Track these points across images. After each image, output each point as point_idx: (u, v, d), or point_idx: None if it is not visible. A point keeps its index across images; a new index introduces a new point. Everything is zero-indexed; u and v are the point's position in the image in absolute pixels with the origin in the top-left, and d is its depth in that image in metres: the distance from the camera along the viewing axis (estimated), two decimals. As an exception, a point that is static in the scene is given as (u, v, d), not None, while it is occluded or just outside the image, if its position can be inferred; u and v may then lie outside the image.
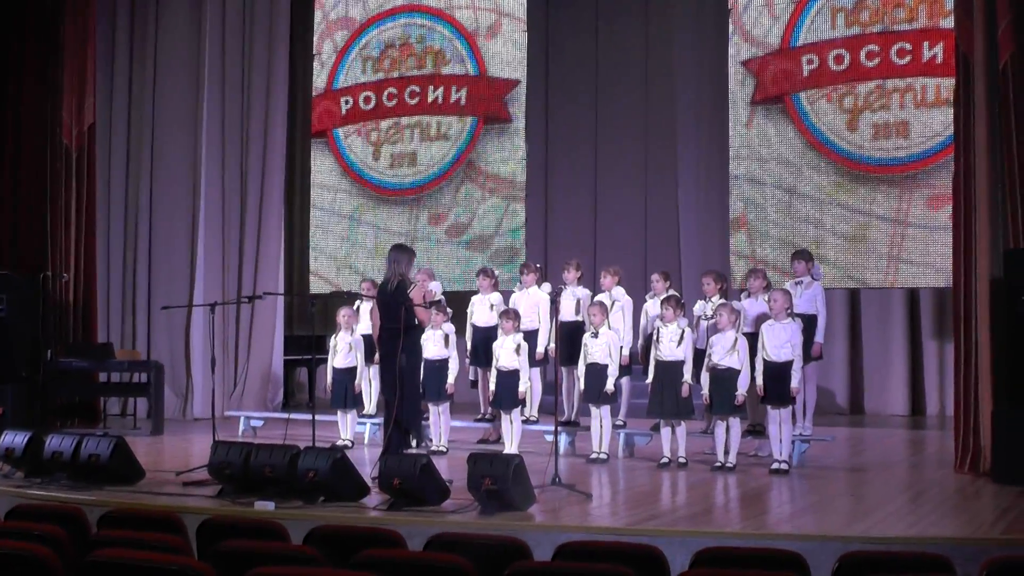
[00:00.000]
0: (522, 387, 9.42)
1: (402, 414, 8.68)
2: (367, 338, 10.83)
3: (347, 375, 10.50)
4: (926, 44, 12.01)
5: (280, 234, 14.57)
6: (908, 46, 12.10)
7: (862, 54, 12.30)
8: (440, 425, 10.06)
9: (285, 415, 10.74)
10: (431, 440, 10.00)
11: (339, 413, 10.61)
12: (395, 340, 8.68)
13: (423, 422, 9.68)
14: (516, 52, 13.92)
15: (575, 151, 14.97)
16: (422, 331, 9.33)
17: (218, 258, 14.03)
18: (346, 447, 9.99)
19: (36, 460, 8.43)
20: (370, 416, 10.96)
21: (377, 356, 10.90)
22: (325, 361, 11.20)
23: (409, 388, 8.77)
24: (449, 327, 10.10)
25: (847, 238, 12.24)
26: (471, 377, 10.82)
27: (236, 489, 7.69)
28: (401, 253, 9.09)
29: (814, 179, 12.43)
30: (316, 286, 14.84)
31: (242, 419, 11.83)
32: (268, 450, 7.76)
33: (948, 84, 10.96)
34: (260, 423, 11.78)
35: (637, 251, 14.34)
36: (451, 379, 9.97)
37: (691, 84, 14.11)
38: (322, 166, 15.02)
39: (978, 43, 8.63)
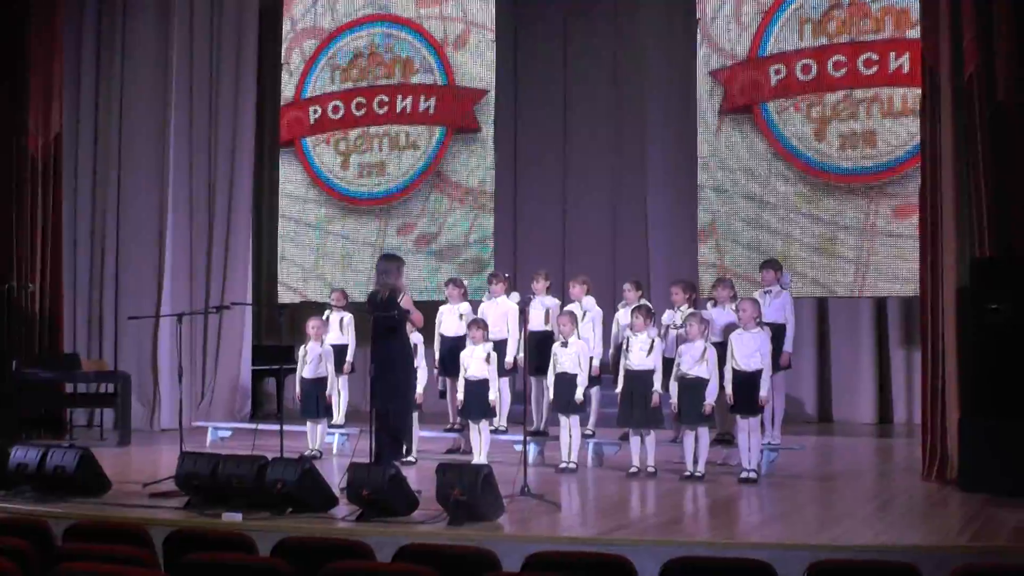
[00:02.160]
0: (492, 396, 9.41)
1: (395, 423, 8.71)
2: (337, 348, 10.82)
3: (315, 385, 10.43)
4: (892, 54, 12.11)
5: (248, 244, 14.50)
6: (875, 56, 12.19)
7: (829, 64, 12.38)
8: (409, 435, 10.02)
9: (253, 425, 10.67)
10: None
11: (308, 423, 10.56)
12: (389, 350, 8.65)
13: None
14: (485, 62, 13.93)
15: (544, 161, 14.96)
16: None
17: (186, 268, 13.94)
18: (314, 457, 9.93)
19: (0, 472, 8.33)
20: (339, 426, 10.93)
21: (348, 366, 10.98)
22: (293, 371, 11.14)
23: (405, 399, 8.86)
24: (417, 337, 10.05)
25: (815, 247, 12.30)
26: (439, 387, 10.79)
27: (204, 500, 7.63)
28: (390, 263, 9.00)
29: (782, 188, 12.50)
30: (284, 296, 14.77)
31: (210, 430, 11.76)
32: (236, 461, 7.72)
33: (915, 94, 11.05)
34: (228, 434, 11.72)
35: (606, 261, 14.34)
36: (419, 389, 9.92)
37: (660, 94, 14.15)
38: (290, 176, 14.96)
39: (944, 56, 8.71)
